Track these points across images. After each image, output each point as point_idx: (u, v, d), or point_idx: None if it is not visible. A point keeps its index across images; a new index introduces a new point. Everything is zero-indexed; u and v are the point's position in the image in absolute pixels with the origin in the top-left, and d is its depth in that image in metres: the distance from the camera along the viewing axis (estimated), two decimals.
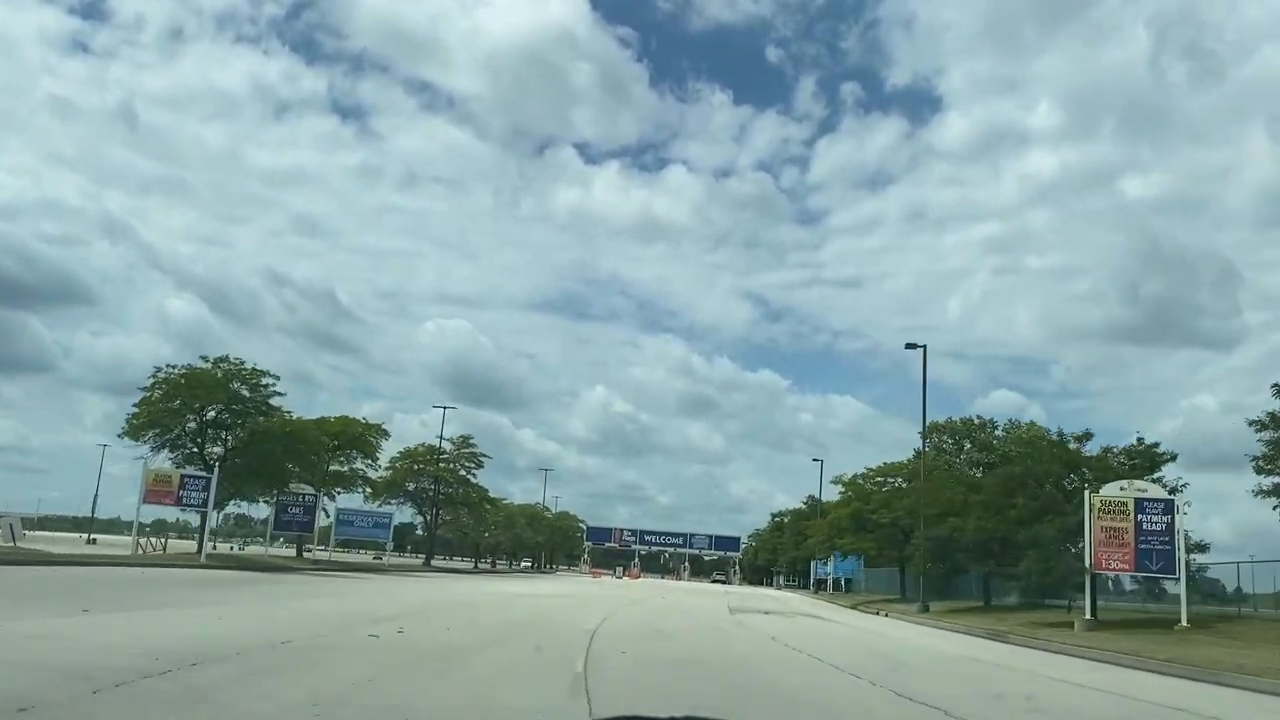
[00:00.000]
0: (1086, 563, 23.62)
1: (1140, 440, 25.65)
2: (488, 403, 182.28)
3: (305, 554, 50.14)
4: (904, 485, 45.79)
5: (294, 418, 43.30)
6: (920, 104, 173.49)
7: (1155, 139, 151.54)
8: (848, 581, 74.01)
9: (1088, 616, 23.34)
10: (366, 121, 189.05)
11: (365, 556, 75.13)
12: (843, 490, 47.90)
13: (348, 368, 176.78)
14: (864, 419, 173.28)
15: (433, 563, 71.61)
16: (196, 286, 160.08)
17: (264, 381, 41.12)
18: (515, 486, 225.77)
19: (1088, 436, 29.75)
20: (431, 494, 65.84)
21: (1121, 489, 23.59)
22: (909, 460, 48.52)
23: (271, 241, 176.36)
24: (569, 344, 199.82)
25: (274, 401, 41.38)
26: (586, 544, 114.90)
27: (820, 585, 75.23)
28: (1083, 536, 25.36)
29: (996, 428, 66.69)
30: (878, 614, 37.32)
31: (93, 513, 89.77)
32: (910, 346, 37.97)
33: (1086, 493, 23.82)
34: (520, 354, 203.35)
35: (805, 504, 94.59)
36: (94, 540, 67.40)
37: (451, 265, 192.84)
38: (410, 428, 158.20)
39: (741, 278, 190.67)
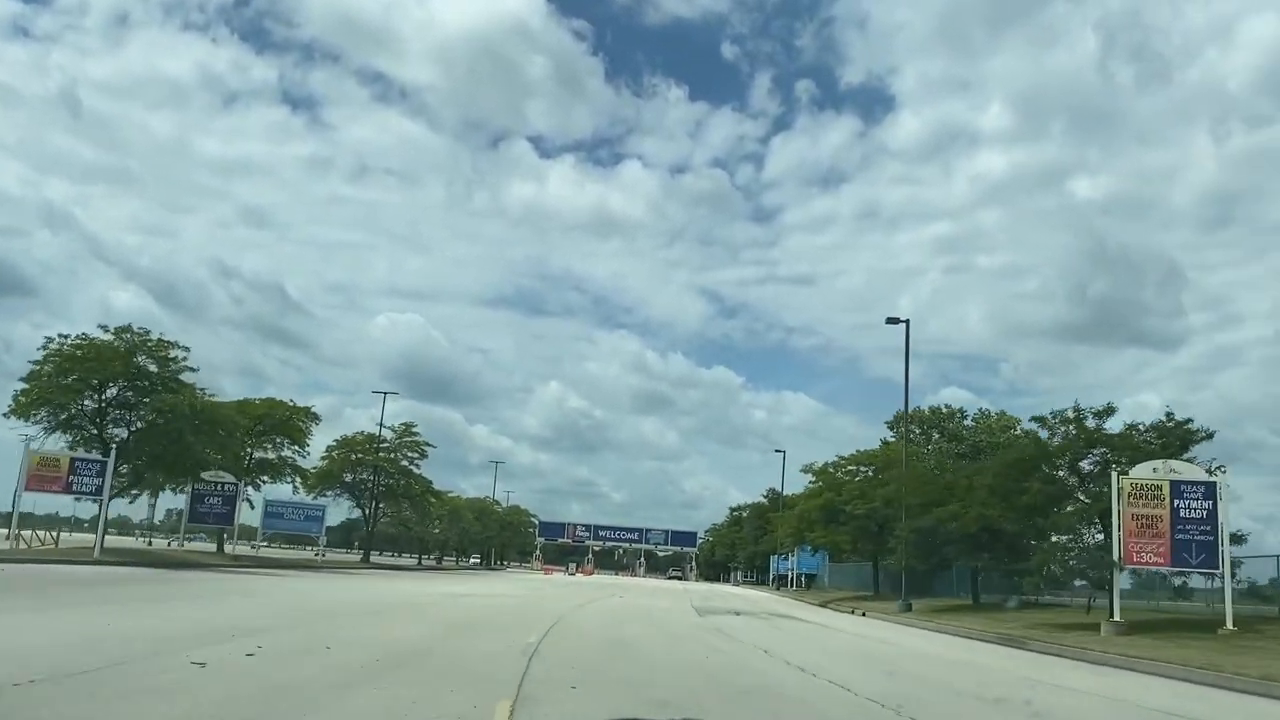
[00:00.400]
0: (1115, 555, 20.30)
1: (1170, 416, 22.40)
2: (440, 398, 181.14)
3: (227, 549, 45.44)
4: (875, 475, 42.57)
5: (207, 396, 38.64)
6: (873, 103, 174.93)
7: (1103, 140, 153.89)
8: (809, 578, 71.07)
9: (1115, 618, 20.04)
10: (317, 112, 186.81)
11: (305, 553, 70.76)
12: (813, 480, 44.62)
13: (297, 362, 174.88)
14: (817, 415, 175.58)
15: (372, 559, 67.02)
16: (142, 278, 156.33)
17: (172, 354, 36.50)
18: (468, 483, 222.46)
19: (1110, 411, 24.66)
20: (370, 485, 61.28)
21: (1154, 470, 20.32)
22: (881, 448, 45.41)
23: (219, 233, 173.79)
24: (523, 339, 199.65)
25: (186, 378, 36.78)
26: (539, 540, 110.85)
27: (781, 581, 72.13)
28: (1102, 525, 22.22)
29: (966, 417, 64.38)
30: (853, 613, 34.02)
31: None
32: (891, 321, 34.66)
33: (1114, 474, 20.50)
34: (474, 349, 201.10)
35: (766, 497, 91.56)
36: None
37: (403, 259, 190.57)
38: (361, 423, 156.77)
39: (696, 274, 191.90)
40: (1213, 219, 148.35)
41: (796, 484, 63.86)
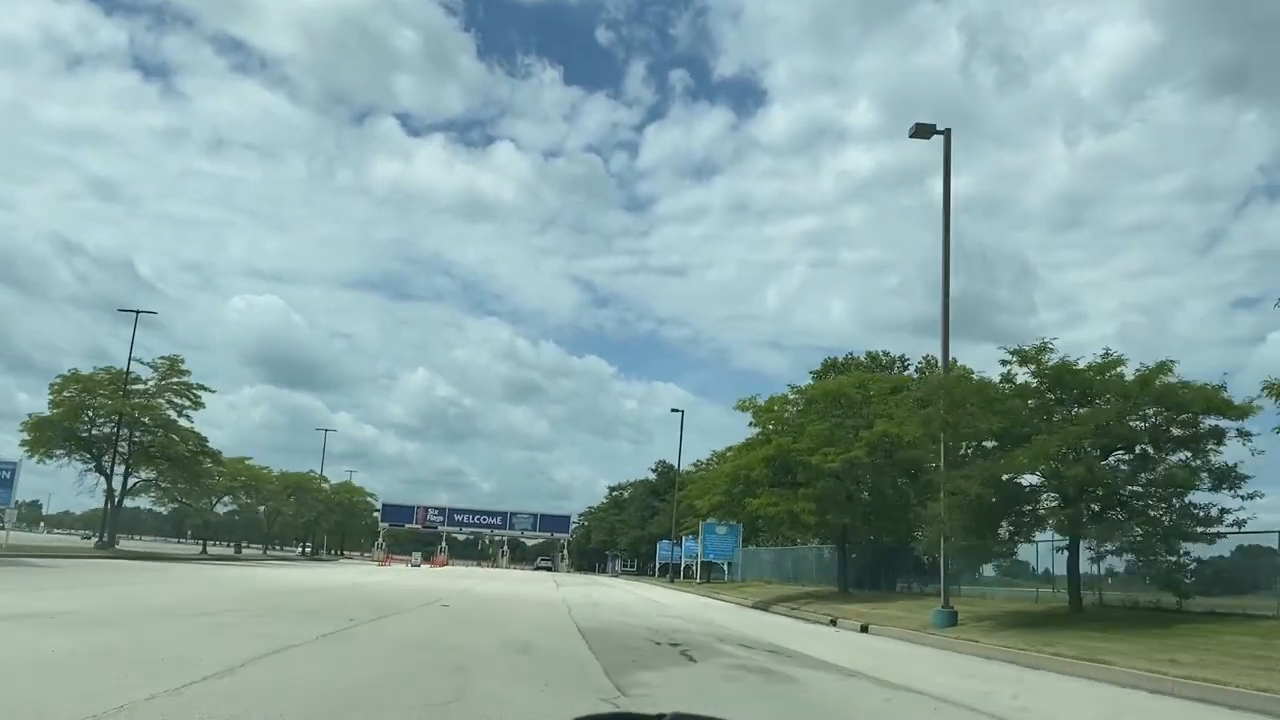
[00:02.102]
0: None
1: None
2: (301, 384, 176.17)
3: None
4: (839, 416, 28.39)
5: None
6: (746, 96, 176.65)
7: (963, 141, 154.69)
8: (707, 567, 57.51)
9: None
10: (171, 80, 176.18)
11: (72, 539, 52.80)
12: (754, 422, 29.95)
13: (148, 344, 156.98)
14: (686, 406, 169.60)
15: (122, 544, 48.55)
16: None
17: None
18: (329, 471, 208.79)
19: (1166, 369, 17.79)
20: (116, 441, 43.32)
21: None
22: (850, 378, 31.23)
23: (63, 205, 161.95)
24: (388, 324, 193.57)
25: None
26: (382, 525, 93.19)
27: (673, 573, 57.79)
28: None
29: (909, 366, 51.42)
30: (835, 625, 19.66)
31: None
32: (921, 133, 20.51)
33: None
34: (336, 334, 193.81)
35: (655, 471, 77.27)
36: None
37: (263, 238, 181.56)
38: (217, 409, 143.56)
39: (569, 262, 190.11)
40: (1063, 220, 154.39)
41: (694, 452, 50.30)
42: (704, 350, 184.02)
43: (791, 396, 30.82)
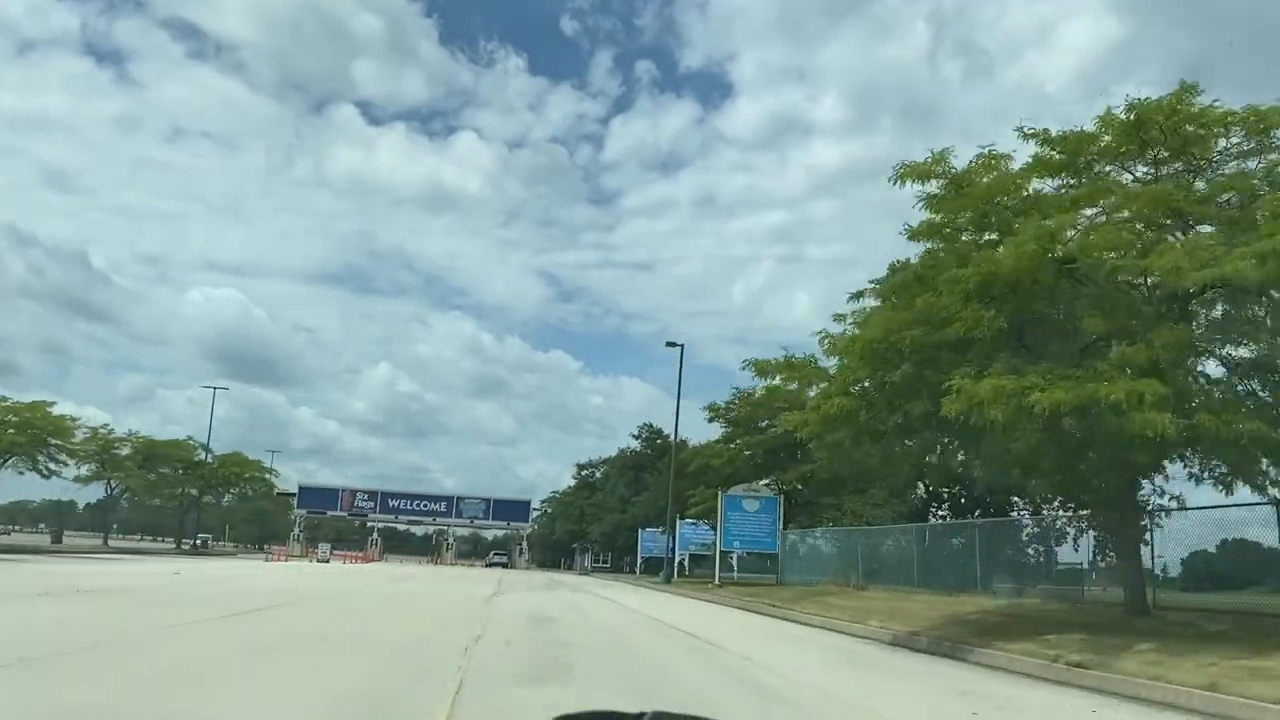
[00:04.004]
0: None
1: None
2: (262, 379, 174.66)
3: None
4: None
5: None
6: (712, 88, 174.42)
7: (929, 135, 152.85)
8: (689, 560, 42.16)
9: None
10: (125, 67, 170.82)
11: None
12: (931, 208, 13.21)
13: (104, 338, 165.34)
14: (652, 403, 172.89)
15: None
16: None
17: None
18: (291, 468, 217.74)
19: None
20: None
21: None
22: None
23: (14, 195, 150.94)
24: (351, 318, 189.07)
25: None
26: (298, 513, 76.16)
27: (670, 569, 41.67)
28: None
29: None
30: None
31: None
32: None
33: None
34: (298, 328, 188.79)
35: (639, 437, 60.84)
36: None
37: (221, 230, 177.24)
38: (176, 405, 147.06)
39: (535, 256, 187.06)
40: None
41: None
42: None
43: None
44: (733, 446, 34.88)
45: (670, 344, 41.46)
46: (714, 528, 45.22)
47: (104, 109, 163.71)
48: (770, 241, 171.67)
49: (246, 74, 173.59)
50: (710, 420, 37.57)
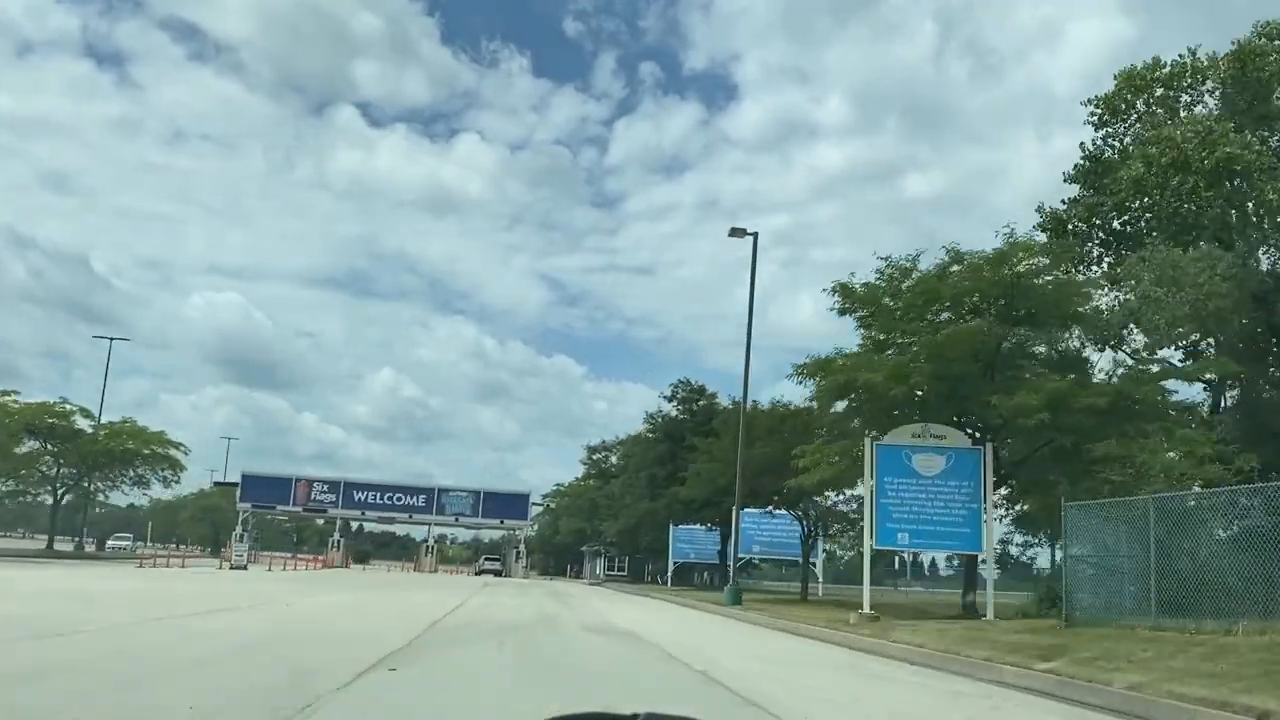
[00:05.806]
0: None
1: None
2: (265, 384, 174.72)
3: None
4: None
5: None
6: (716, 90, 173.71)
7: (934, 138, 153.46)
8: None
9: None
10: (125, 69, 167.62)
11: None
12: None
13: (106, 343, 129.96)
14: (656, 408, 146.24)
15: None
16: None
17: None
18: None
19: None
20: None
21: None
22: None
23: (13, 197, 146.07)
24: (353, 323, 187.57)
25: None
26: (241, 506, 61.42)
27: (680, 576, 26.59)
28: None
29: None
30: None
31: None
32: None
33: None
34: (300, 332, 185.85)
35: (672, 399, 45.68)
36: None
37: (222, 233, 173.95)
38: (179, 409, 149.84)
39: (537, 259, 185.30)
40: (1034, 219, 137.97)
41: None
42: (673, 350, 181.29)
43: None
44: (888, 356, 19.64)
45: (736, 231, 26.52)
46: (801, 518, 30.31)
47: (104, 111, 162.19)
48: (774, 245, 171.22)
49: (246, 75, 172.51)
50: (837, 310, 21.19)
